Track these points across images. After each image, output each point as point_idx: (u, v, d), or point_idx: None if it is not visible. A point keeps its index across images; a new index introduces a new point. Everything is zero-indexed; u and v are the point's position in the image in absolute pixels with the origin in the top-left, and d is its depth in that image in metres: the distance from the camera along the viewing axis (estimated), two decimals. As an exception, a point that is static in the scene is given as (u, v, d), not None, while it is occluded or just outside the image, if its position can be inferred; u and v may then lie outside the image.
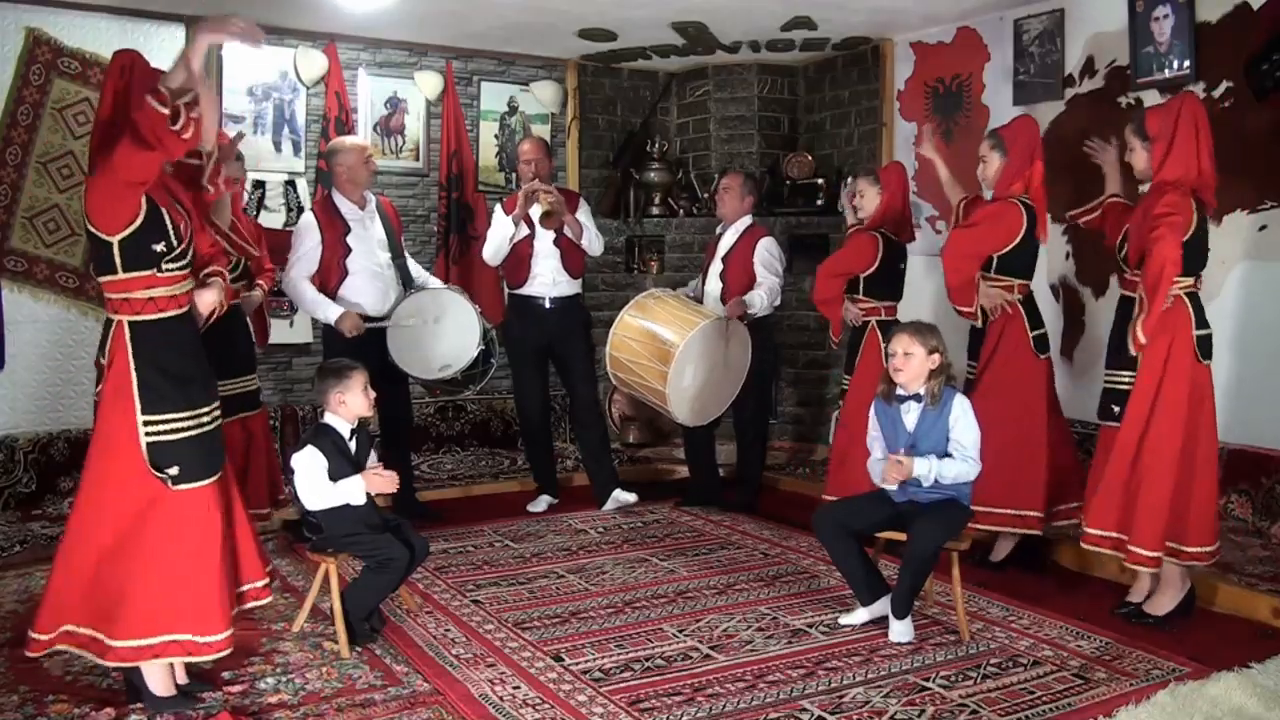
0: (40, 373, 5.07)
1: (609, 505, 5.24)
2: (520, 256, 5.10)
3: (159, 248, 2.78)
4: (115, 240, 2.73)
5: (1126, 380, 3.67)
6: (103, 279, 2.82)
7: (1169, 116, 3.56)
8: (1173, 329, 3.54)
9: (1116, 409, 3.69)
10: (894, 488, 3.54)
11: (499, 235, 5.04)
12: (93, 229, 2.76)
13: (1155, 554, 3.54)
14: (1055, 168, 4.78)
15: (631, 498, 5.26)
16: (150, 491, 2.81)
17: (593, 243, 5.15)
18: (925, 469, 3.45)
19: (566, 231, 5.05)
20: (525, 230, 5.04)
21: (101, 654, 2.82)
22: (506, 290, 5.30)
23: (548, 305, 5.14)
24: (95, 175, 2.75)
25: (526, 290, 5.14)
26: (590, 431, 5.29)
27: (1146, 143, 3.61)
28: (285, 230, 5.34)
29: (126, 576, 2.81)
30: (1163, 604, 3.64)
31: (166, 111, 2.58)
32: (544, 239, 5.07)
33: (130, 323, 2.81)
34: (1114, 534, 3.61)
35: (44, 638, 2.86)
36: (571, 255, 5.13)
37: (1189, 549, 3.58)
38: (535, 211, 4.96)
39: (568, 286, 5.18)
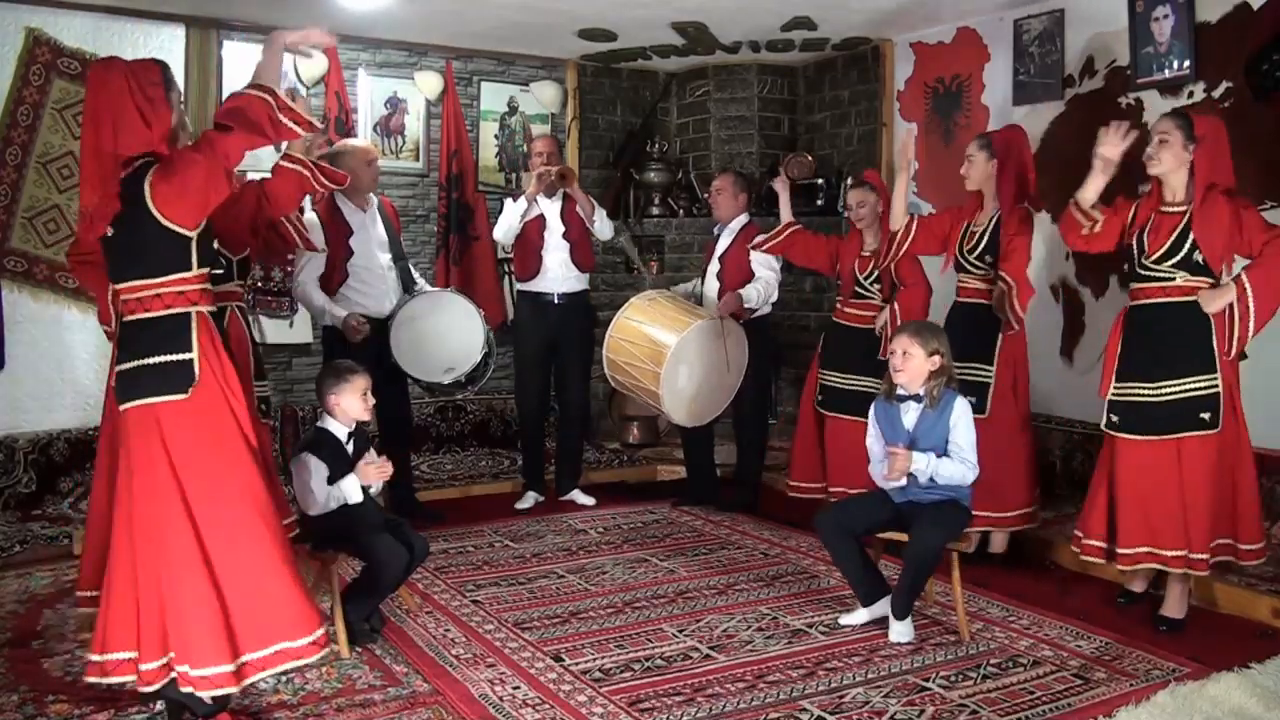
0: (40, 373, 5.07)
1: (567, 496, 5.43)
2: (531, 248, 5.16)
3: (215, 244, 3.05)
4: (194, 235, 2.77)
5: (1148, 390, 3.59)
6: (169, 277, 2.74)
7: (1214, 124, 3.58)
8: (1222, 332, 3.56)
9: (1207, 416, 3.55)
10: (899, 484, 3.54)
11: (511, 215, 5.15)
12: (171, 226, 2.71)
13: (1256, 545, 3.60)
14: (1054, 168, 4.78)
15: (590, 501, 5.38)
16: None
17: (602, 226, 5.27)
18: (924, 463, 3.47)
19: (579, 210, 5.16)
20: (537, 210, 5.13)
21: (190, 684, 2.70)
22: (515, 285, 5.35)
23: (556, 301, 5.22)
24: (189, 168, 2.70)
25: (536, 285, 5.22)
26: (572, 430, 5.40)
27: (1192, 143, 3.52)
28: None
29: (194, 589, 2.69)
30: (1181, 605, 3.62)
31: (274, 103, 2.73)
32: (555, 232, 5.16)
33: (209, 314, 2.82)
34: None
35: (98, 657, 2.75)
36: (581, 248, 5.22)
37: (1245, 546, 3.60)
38: (544, 201, 5.13)
39: (576, 282, 5.26)
